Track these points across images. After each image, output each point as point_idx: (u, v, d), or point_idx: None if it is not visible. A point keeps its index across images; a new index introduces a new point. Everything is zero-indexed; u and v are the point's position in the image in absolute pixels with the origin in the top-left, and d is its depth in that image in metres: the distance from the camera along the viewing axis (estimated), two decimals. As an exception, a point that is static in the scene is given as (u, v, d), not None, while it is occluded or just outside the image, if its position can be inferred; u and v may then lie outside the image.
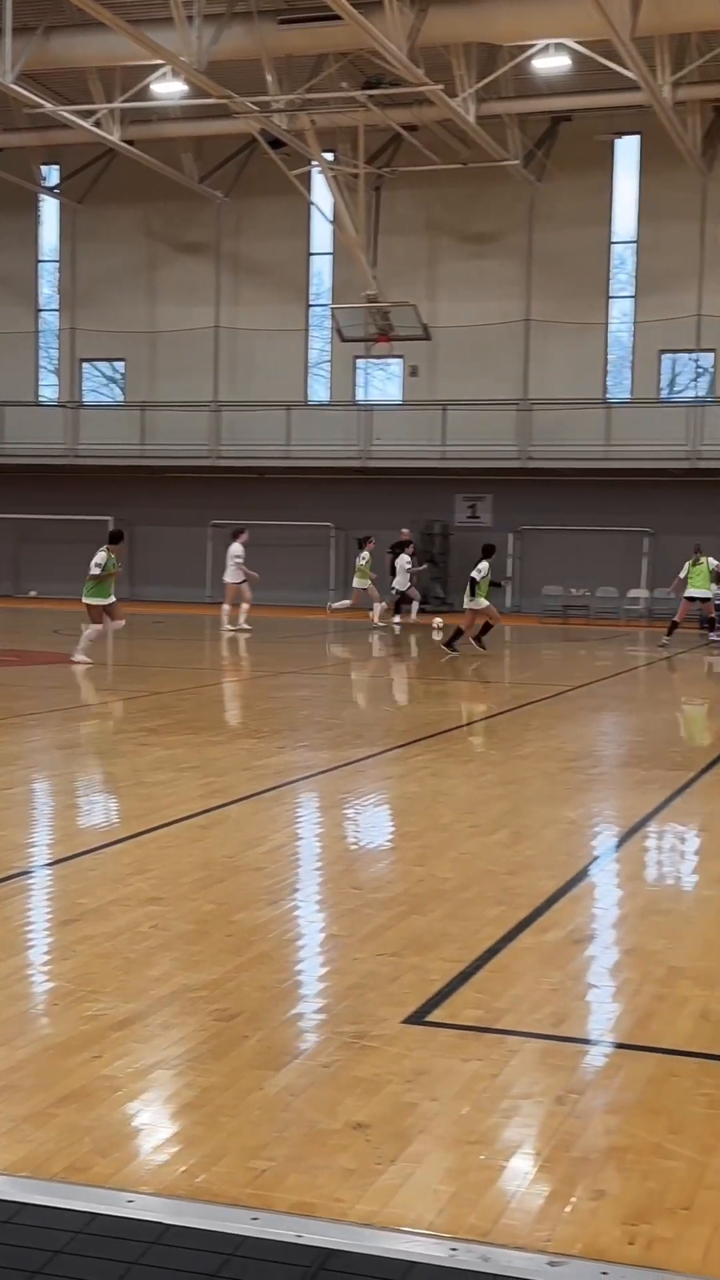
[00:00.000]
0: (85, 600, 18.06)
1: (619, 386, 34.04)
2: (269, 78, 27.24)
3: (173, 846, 7.42)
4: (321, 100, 28.18)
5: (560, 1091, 4.15)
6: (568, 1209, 3.41)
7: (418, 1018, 4.76)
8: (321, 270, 36.01)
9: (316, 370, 36.38)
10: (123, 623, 18.37)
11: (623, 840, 8.08)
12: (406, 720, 14.11)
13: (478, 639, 20.93)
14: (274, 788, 9.45)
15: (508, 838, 7.93)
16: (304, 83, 28.11)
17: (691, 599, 24.13)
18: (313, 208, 33.07)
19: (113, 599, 18.12)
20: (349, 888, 6.70)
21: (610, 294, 33.81)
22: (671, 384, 34.08)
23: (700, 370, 33.41)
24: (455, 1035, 4.62)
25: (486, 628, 21.12)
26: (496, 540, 27.85)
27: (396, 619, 27.56)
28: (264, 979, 5.14)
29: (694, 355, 33.30)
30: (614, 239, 33.61)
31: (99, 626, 17.96)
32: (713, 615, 25.10)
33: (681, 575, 24.19)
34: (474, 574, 20.50)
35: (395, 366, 35.33)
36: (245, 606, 25.13)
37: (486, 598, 20.65)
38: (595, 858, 7.70)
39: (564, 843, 7.92)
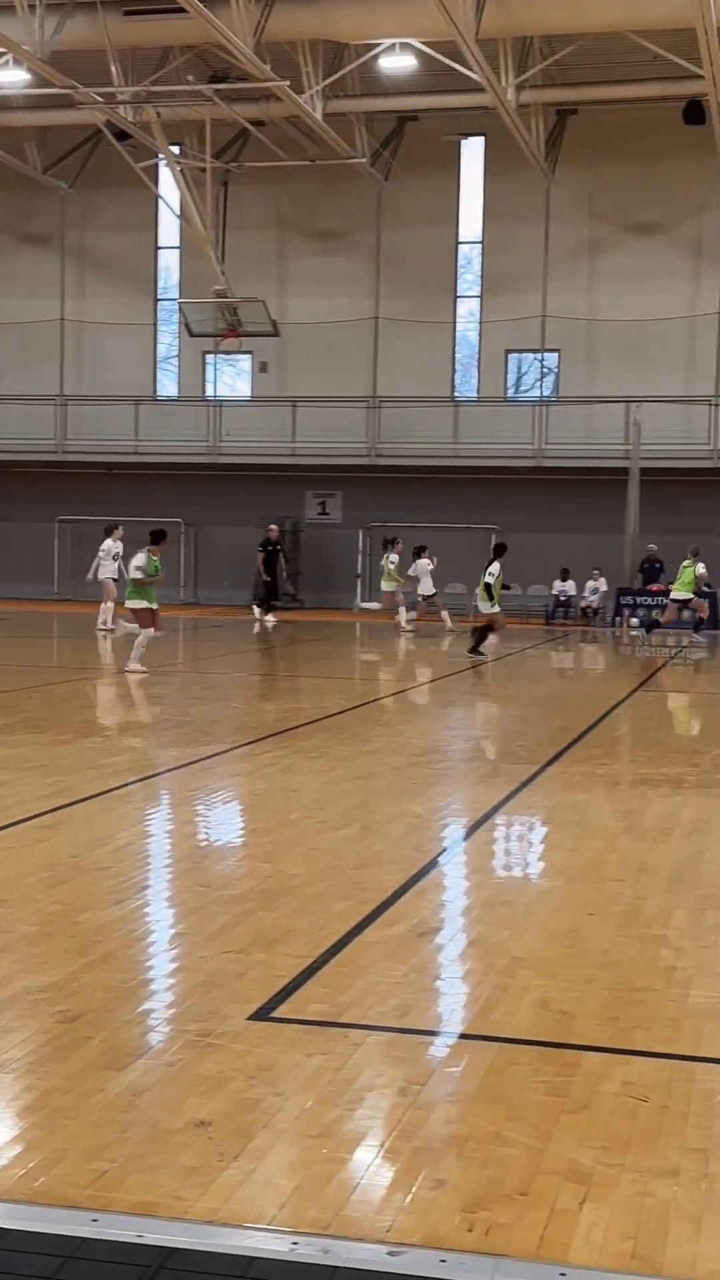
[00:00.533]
0: (128, 604, 17.37)
1: (466, 385, 34.42)
2: (113, 69, 26.94)
3: (16, 847, 7.31)
4: (167, 93, 27.97)
5: (403, 1083, 4.19)
6: (408, 1199, 3.45)
7: (263, 1014, 4.77)
8: (169, 264, 35.72)
9: (165, 365, 36.10)
10: (158, 632, 17.46)
11: (469, 833, 8.19)
12: (256, 717, 14.10)
13: (475, 646, 20.28)
14: (121, 786, 9.37)
15: (355, 833, 7.98)
16: (150, 75, 27.88)
17: (677, 601, 24.22)
18: (160, 201, 32.81)
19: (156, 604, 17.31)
20: (196, 885, 6.68)
21: (458, 293, 34.17)
22: (518, 384, 34.58)
23: (545, 370, 33.94)
24: (300, 1030, 4.64)
25: (487, 631, 20.52)
26: (346, 537, 28.04)
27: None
28: (108, 979, 5.10)
29: (539, 355, 33.82)
30: (460, 239, 33.95)
31: (151, 631, 17.14)
32: (703, 617, 24.68)
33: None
34: (486, 577, 20.11)
35: (245, 362, 35.22)
36: (109, 605, 24.19)
37: (499, 602, 20.37)
38: (441, 851, 7.79)
39: (410, 837, 8.00)
